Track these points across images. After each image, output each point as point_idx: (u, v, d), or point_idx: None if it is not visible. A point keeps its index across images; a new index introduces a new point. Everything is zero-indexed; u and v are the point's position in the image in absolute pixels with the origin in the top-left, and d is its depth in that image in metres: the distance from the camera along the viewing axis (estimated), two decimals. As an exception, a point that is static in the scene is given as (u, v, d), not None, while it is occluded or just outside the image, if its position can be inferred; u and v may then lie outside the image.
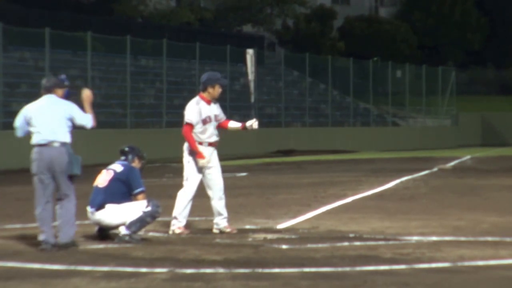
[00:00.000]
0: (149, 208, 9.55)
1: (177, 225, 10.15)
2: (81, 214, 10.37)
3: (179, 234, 10.06)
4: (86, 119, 9.26)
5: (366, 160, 29.49)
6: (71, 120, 9.18)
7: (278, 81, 41.78)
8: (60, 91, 9.41)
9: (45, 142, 9.05)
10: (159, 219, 9.93)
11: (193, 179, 10.20)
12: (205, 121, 10.20)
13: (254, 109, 10.90)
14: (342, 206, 13.38)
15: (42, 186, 9.02)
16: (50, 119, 9.13)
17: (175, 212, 10.20)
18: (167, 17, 45.46)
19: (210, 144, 10.25)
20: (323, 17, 53.72)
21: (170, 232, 10.14)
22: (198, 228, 10.64)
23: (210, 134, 10.26)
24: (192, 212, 10.39)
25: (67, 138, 9.09)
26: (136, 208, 9.54)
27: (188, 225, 10.34)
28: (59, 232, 9.04)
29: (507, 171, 21.96)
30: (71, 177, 9.03)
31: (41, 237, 9.00)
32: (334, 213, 12.42)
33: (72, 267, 7.93)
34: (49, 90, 9.42)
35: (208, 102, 10.29)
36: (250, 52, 10.46)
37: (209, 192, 10.32)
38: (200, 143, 10.23)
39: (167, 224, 10.69)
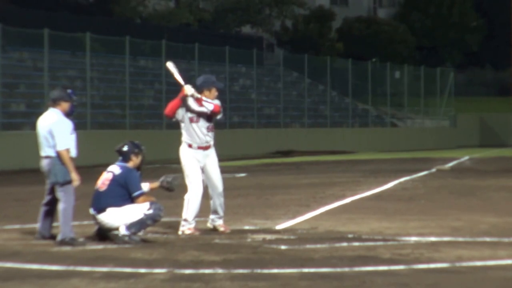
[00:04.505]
0: (151, 211, 9.54)
1: (188, 226, 10.15)
2: (80, 214, 10.40)
3: (190, 235, 10.07)
4: (59, 143, 9.43)
5: (365, 161, 29.50)
6: (51, 135, 9.52)
7: (277, 82, 41.79)
8: (65, 105, 9.68)
9: (42, 155, 9.67)
10: (158, 219, 9.93)
11: (196, 179, 10.21)
12: (191, 120, 10.20)
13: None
14: (341, 206, 13.39)
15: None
16: (41, 135, 9.66)
17: (185, 215, 10.17)
18: (166, 18, 45.44)
19: (200, 148, 10.26)
20: (322, 18, 53.70)
21: (180, 232, 10.15)
22: (197, 228, 10.64)
23: (197, 136, 10.23)
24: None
25: (50, 152, 9.52)
26: (137, 210, 9.54)
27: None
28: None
29: (505, 172, 21.98)
30: (63, 183, 9.43)
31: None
32: (333, 213, 12.43)
33: (71, 268, 7.94)
34: (55, 102, 9.69)
35: (202, 105, 10.27)
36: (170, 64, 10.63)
37: (209, 190, 10.38)
38: (190, 146, 10.25)
39: (167, 225, 10.70)
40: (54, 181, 9.47)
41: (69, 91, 9.80)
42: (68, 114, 9.65)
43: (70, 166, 9.38)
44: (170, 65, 10.56)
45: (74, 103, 9.74)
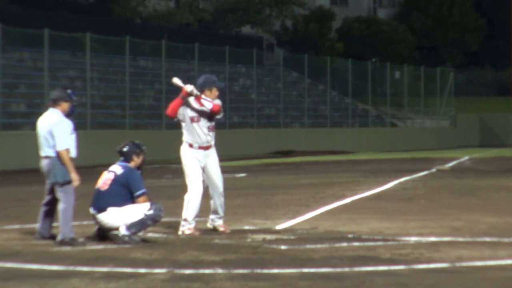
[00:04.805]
0: (151, 212, 9.54)
1: (187, 226, 10.16)
2: (80, 214, 10.40)
3: (190, 235, 10.08)
4: (59, 143, 9.41)
5: (365, 161, 29.50)
6: (51, 135, 9.51)
7: (277, 82, 41.80)
8: (65, 105, 9.69)
9: (41, 155, 9.64)
10: (158, 219, 9.93)
11: (196, 178, 10.21)
12: (192, 119, 10.22)
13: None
14: (341, 206, 13.39)
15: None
16: (41, 136, 9.64)
17: (185, 215, 10.18)
18: (166, 18, 45.45)
19: (201, 147, 10.27)
20: (322, 18, 53.71)
21: (180, 232, 10.15)
22: (197, 228, 10.63)
23: (198, 135, 10.25)
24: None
25: (50, 152, 9.49)
26: (138, 211, 9.54)
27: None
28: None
29: (505, 172, 21.98)
30: (63, 184, 9.40)
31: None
32: (333, 213, 12.43)
33: (71, 268, 7.94)
34: (55, 103, 9.69)
35: (202, 105, 10.28)
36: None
37: (210, 190, 10.39)
38: (191, 145, 10.27)
39: (167, 225, 10.70)
40: (53, 182, 9.47)
41: (69, 91, 9.81)
42: (68, 115, 9.66)
43: (70, 166, 9.38)
44: (177, 80, 10.56)
45: (74, 103, 9.76)
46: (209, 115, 10.29)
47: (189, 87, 10.24)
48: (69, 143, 9.46)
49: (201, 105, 10.24)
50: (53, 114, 9.60)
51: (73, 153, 9.51)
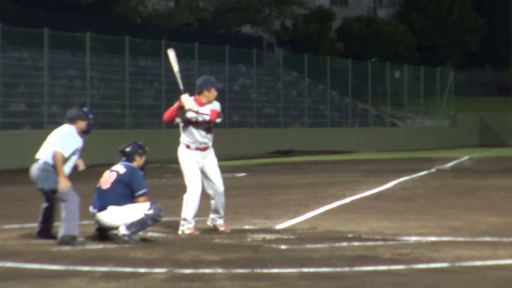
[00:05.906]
0: (151, 211, 9.54)
1: (187, 225, 10.16)
2: (80, 214, 10.38)
3: (189, 234, 10.08)
4: (60, 145, 9.38)
5: (365, 161, 29.50)
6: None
7: (276, 81, 41.80)
8: (82, 123, 9.72)
9: (36, 157, 9.59)
10: (158, 219, 9.92)
11: (195, 178, 10.21)
12: (189, 121, 10.20)
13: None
14: (341, 206, 13.39)
15: None
16: (47, 141, 9.61)
17: (184, 214, 10.17)
18: (166, 18, 45.46)
19: (198, 149, 10.27)
20: (322, 18, 53.72)
21: (179, 232, 10.15)
22: (197, 228, 10.63)
23: (196, 137, 10.24)
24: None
25: (47, 157, 9.45)
26: (138, 210, 9.54)
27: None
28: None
29: (505, 172, 21.99)
30: (55, 190, 9.38)
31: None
32: (333, 213, 12.43)
33: (71, 268, 7.94)
34: (72, 121, 9.71)
35: (202, 105, 10.27)
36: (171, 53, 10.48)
37: (210, 191, 10.37)
38: (188, 146, 10.26)
39: (167, 225, 10.70)
40: (48, 188, 9.40)
41: (85, 109, 9.85)
42: (84, 132, 9.70)
43: (61, 168, 9.31)
44: (171, 54, 10.49)
45: (90, 121, 9.78)
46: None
47: (187, 104, 10.15)
48: (68, 154, 9.40)
49: (198, 114, 10.20)
50: (66, 127, 9.63)
51: (67, 170, 9.45)
